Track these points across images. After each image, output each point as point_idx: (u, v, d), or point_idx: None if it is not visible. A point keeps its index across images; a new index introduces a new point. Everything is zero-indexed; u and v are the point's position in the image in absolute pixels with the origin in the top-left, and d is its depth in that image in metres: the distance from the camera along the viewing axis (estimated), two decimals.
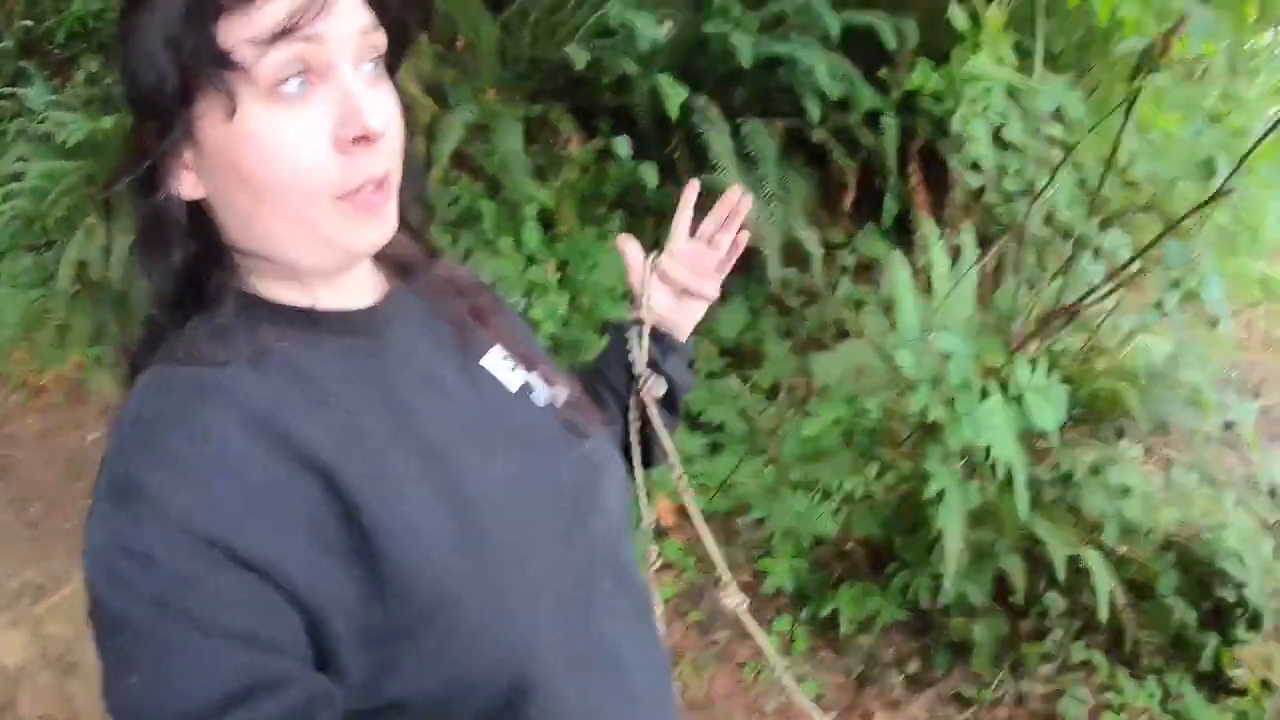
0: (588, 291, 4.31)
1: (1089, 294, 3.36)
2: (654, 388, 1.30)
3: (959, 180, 4.88)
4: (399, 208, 0.95)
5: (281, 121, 0.81)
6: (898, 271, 3.81)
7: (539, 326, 4.19)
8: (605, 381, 1.34)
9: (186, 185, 0.87)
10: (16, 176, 5.94)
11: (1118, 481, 3.38)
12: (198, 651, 0.72)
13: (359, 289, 0.98)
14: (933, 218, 4.84)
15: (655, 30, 4.35)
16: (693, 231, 1.38)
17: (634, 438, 1.31)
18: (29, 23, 7.93)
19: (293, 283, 0.92)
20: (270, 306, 0.91)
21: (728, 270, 1.42)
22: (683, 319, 1.38)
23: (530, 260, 4.38)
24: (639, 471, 1.31)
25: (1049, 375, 3.10)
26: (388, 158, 0.89)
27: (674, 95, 4.25)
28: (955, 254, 3.91)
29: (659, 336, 1.34)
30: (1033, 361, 3.08)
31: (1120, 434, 3.77)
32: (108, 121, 5.41)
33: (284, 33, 0.78)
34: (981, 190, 4.83)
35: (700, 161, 4.36)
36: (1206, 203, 2.96)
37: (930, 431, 3.15)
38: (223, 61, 0.78)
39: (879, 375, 3.61)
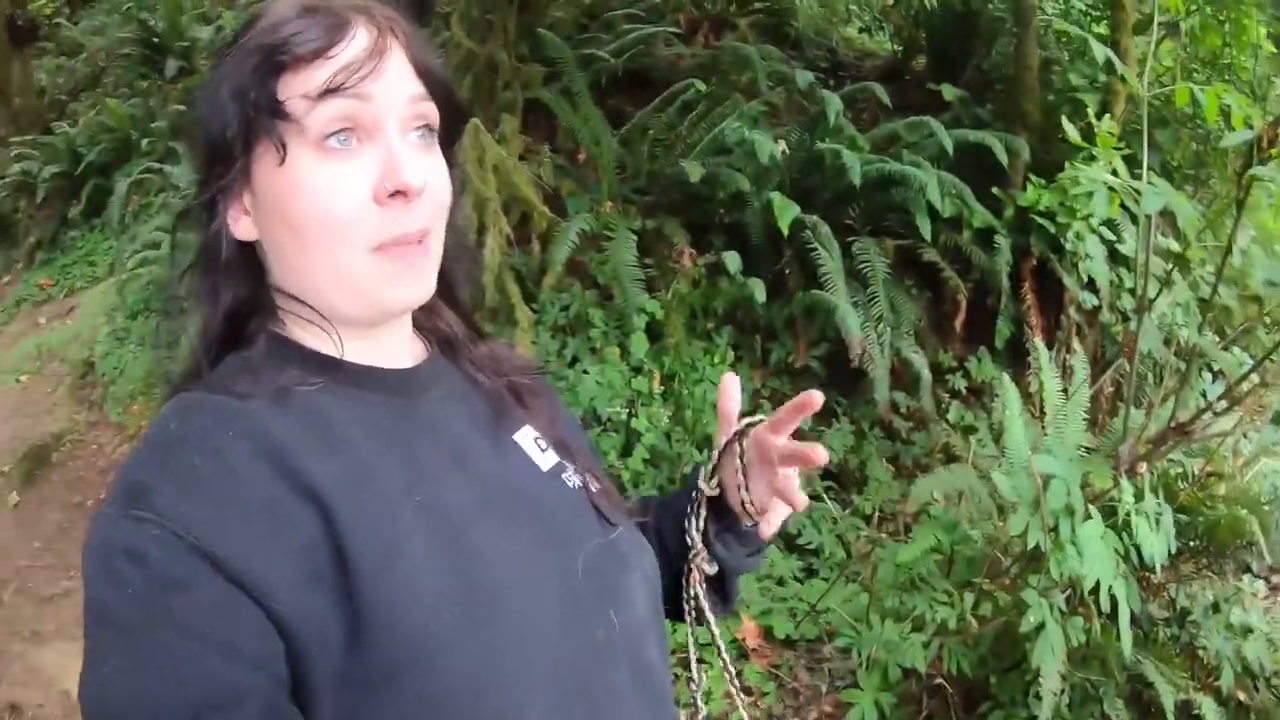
0: (691, 405, 4.32)
1: (1203, 413, 3.20)
2: (704, 564, 1.17)
3: (1073, 299, 4.76)
4: (449, 285, 1.01)
5: (327, 172, 0.87)
6: (1008, 395, 3.69)
7: (640, 437, 4.20)
8: (659, 530, 1.24)
9: (241, 227, 0.93)
10: (155, 245, 6.35)
11: (1238, 620, 3.16)
12: (175, 653, 0.74)
13: (395, 350, 1.00)
14: (1046, 339, 4.72)
15: (772, 147, 4.41)
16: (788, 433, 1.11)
17: (687, 604, 1.19)
18: (182, 107, 8.49)
19: (327, 331, 0.94)
20: (301, 351, 0.94)
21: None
22: (765, 501, 1.14)
23: (636, 370, 4.42)
24: (689, 634, 1.22)
25: (1159, 500, 2.94)
26: (427, 217, 0.92)
27: (786, 212, 4.29)
28: (1068, 375, 3.79)
29: (721, 513, 1.18)
30: (1141, 485, 2.92)
31: (1243, 568, 3.55)
32: None
33: (333, 90, 0.85)
34: (1097, 309, 4.70)
35: (810, 279, 4.36)
36: None
37: (1033, 560, 3.02)
38: (278, 112, 0.86)
39: (982, 501, 3.49)
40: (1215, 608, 3.20)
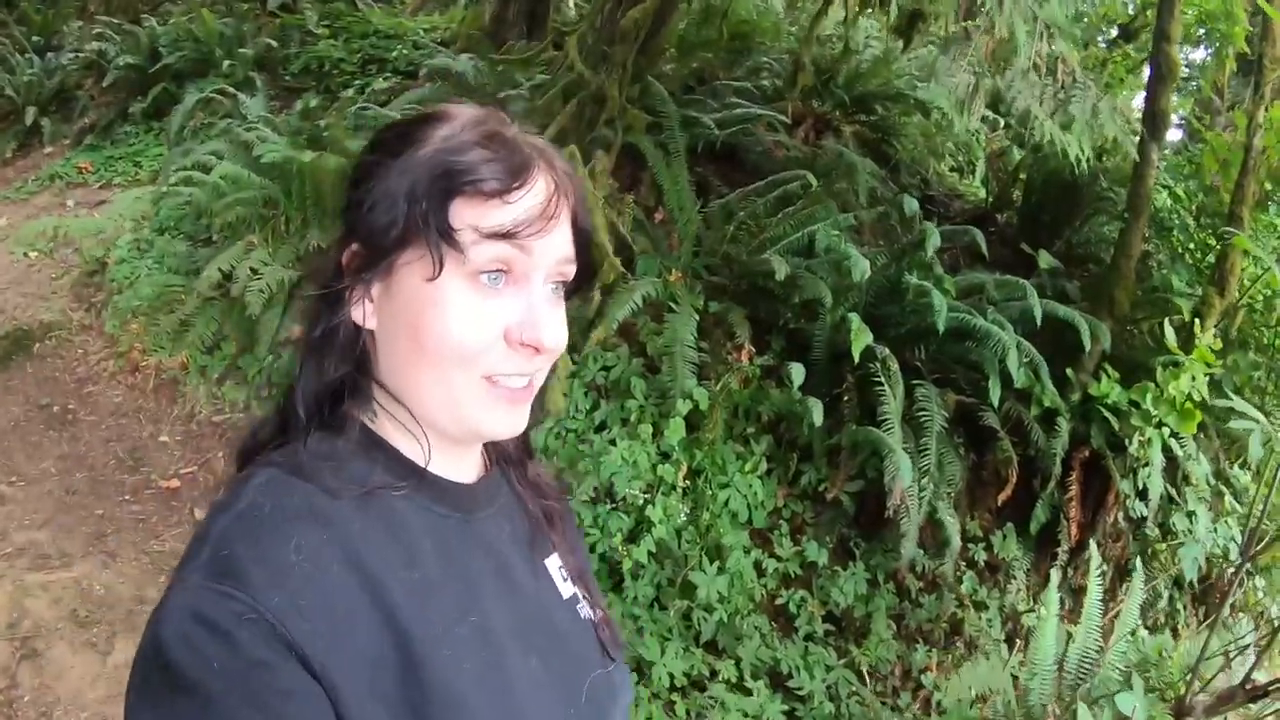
0: (711, 509, 3.85)
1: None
2: None
3: (1119, 503, 4.34)
4: None
5: (473, 302, 0.87)
6: (1049, 597, 3.31)
7: (652, 527, 3.72)
8: None
9: (361, 312, 0.92)
10: (205, 167, 5.80)
11: None
12: None
13: (467, 465, 1.00)
14: (1080, 534, 4.30)
15: (864, 265, 3.96)
16: None
17: None
18: (273, 42, 8.06)
19: (418, 439, 0.93)
20: (389, 451, 0.93)
21: None
22: None
23: (665, 456, 3.96)
24: None
25: None
26: (543, 367, 0.94)
27: (861, 337, 3.86)
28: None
29: None
30: None
31: None
32: (306, 156, 5.22)
33: (505, 235, 0.86)
34: (1142, 519, 4.28)
35: (866, 412, 3.90)
36: None
37: None
38: (448, 236, 0.86)
39: (1010, 704, 3.07)
40: None
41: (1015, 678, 3.29)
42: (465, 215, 0.85)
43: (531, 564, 1.03)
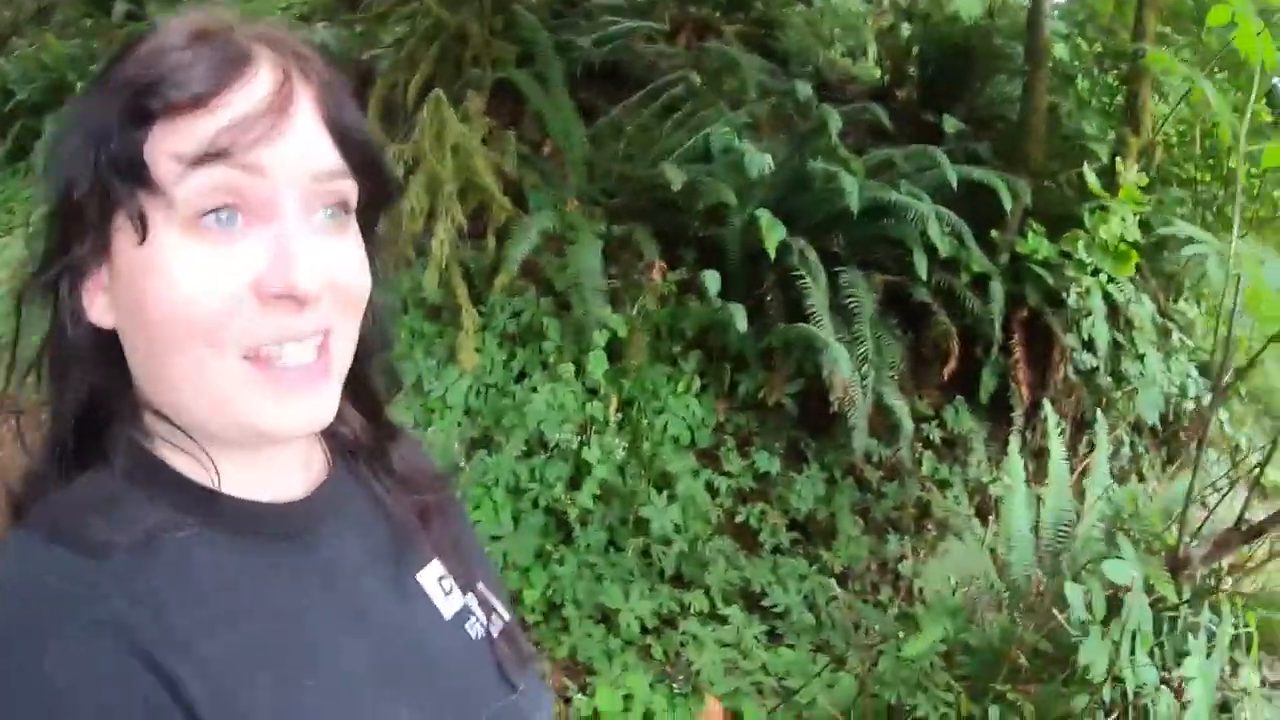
0: (650, 437, 3.59)
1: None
2: None
3: (1066, 357, 4.15)
4: (358, 384, 0.77)
5: (196, 258, 0.63)
6: (1011, 460, 3.13)
7: (592, 469, 3.46)
8: None
9: (98, 309, 0.69)
10: None
11: None
12: None
13: (285, 475, 0.75)
14: (1032, 396, 4.11)
15: (762, 160, 3.69)
16: None
17: None
18: None
19: (194, 455, 0.69)
20: (172, 477, 0.70)
21: None
22: None
23: (592, 392, 3.69)
24: None
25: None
26: (325, 318, 0.68)
27: (773, 232, 3.59)
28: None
29: None
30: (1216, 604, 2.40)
31: None
32: None
33: (215, 155, 0.62)
34: (1093, 370, 4.09)
35: (792, 309, 3.65)
36: None
37: (1058, 663, 2.42)
38: (139, 175, 0.62)
39: (994, 585, 2.90)
40: None
41: (993, 552, 3.12)
42: (165, 143, 0.62)
43: (397, 584, 0.81)
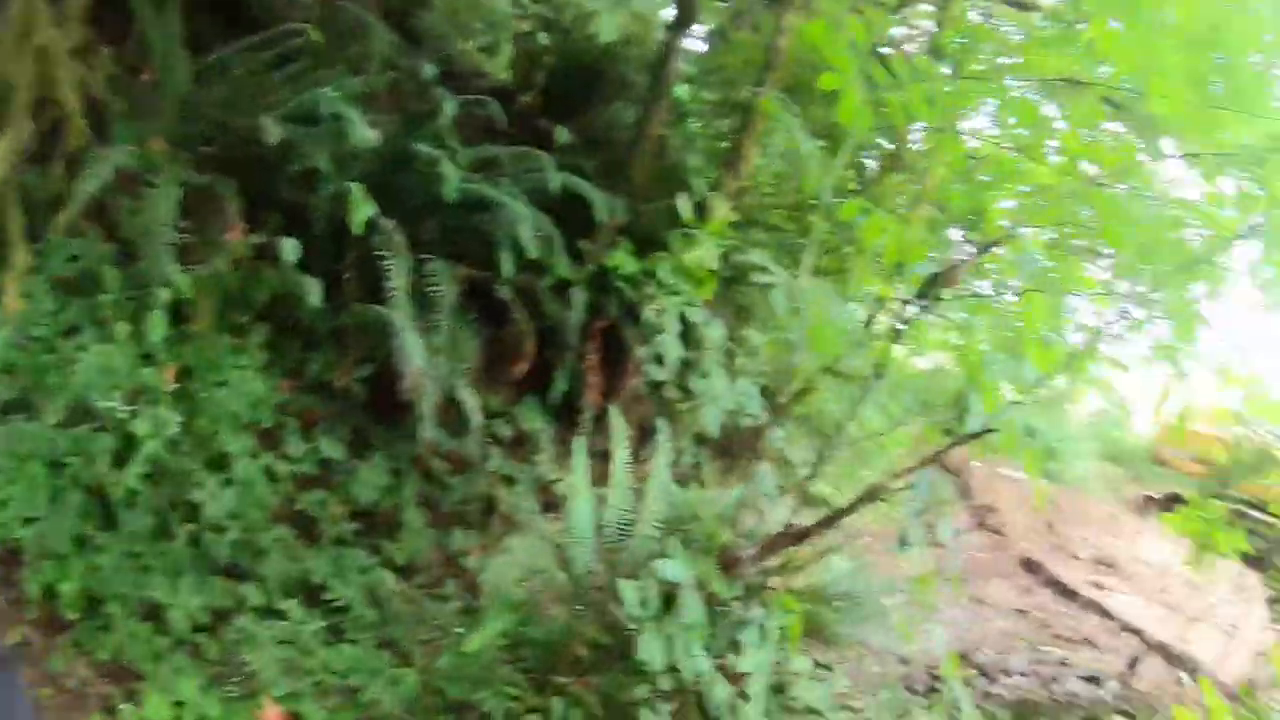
0: (208, 413, 3.34)
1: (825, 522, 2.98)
2: None
3: (638, 368, 4.40)
4: None
5: None
6: (577, 460, 3.31)
7: (141, 444, 3.15)
8: None
9: None
10: None
11: None
12: None
13: None
14: (601, 401, 4.32)
15: (366, 132, 3.59)
16: None
17: None
18: None
19: None
20: None
21: None
22: None
23: (147, 357, 3.35)
24: None
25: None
26: None
27: (362, 208, 3.51)
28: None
29: None
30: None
31: None
32: None
33: None
34: (660, 384, 4.37)
35: (373, 291, 3.57)
36: None
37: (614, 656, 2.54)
38: None
39: (555, 579, 2.98)
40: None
41: (558, 548, 3.23)
42: None
43: None
